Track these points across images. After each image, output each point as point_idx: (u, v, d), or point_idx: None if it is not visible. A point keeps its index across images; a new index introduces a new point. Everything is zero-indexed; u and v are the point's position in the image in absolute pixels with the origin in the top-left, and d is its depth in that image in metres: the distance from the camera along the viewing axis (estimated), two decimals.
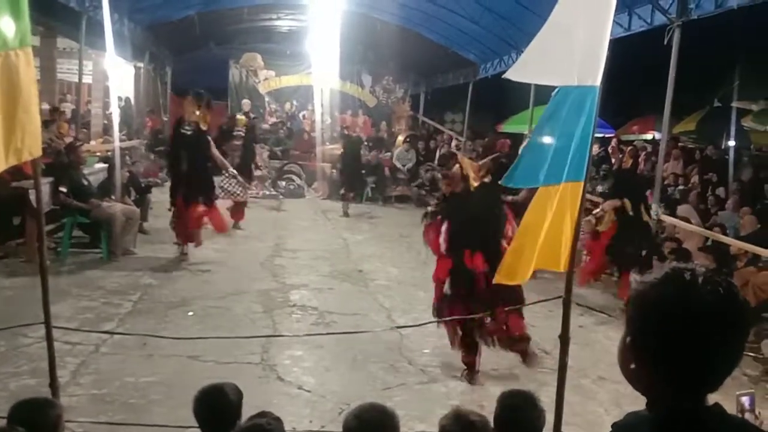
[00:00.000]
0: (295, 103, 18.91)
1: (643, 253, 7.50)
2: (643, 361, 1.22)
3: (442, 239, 5.08)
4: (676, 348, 1.15)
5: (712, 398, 1.21)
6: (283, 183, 14.99)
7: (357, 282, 7.78)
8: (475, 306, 4.87)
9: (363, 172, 14.41)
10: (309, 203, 13.63)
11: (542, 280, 7.80)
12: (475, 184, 5.11)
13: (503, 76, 3.35)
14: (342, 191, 13.25)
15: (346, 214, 12.75)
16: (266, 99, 18.88)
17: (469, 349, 5.08)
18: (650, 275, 1.24)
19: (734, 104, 14.75)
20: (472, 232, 4.99)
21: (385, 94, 19.95)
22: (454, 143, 18.35)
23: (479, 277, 4.87)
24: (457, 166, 5.22)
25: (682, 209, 9.85)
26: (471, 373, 5.08)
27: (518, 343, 5.09)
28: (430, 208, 5.44)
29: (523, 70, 3.28)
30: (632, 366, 1.25)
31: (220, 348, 5.19)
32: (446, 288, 5.01)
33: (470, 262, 4.93)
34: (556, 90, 3.16)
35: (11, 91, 2.97)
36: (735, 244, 7.57)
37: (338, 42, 15.23)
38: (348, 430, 2.37)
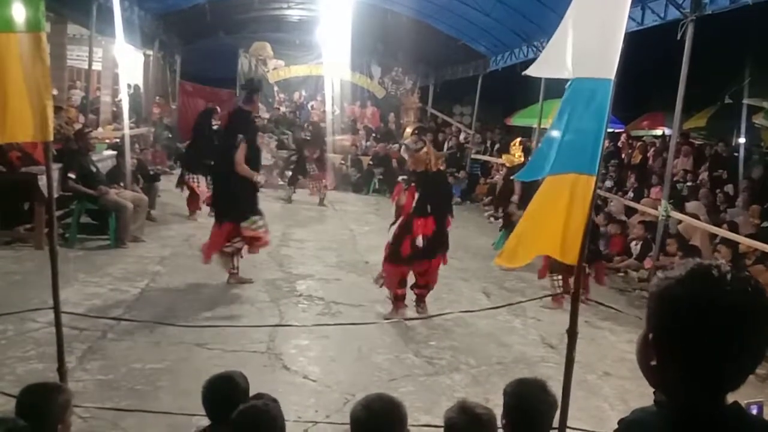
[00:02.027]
0: (303, 93, 18.88)
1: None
2: (666, 357, 1.19)
3: (409, 200, 6.26)
4: (701, 345, 1.13)
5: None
6: (291, 173, 14.97)
7: (363, 273, 7.78)
8: (418, 256, 6.14)
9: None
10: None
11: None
12: (434, 168, 6.32)
13: (523, 73, 3.36)
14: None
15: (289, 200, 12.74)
16: (275, 88, 18.85)
17: (402, 283, 6.31)
18: (673, 270, 1.20)
19: (745, 101, 14.66)
20: (430, 201, 6.19)
21: (394, 85, 19.87)
22: (462, 136, 18.31)
23: (428, 234, 6.10)
24: (425, 150, 6.29)
25: (690, 206, 9.80)
26: (401, 305, 6.30)
27: (425, 289, 6.39)
28: (403, 177, 6.59)
29: (543, 66, 3.28)
30: (653, 363, 1.22)
31: (226, 336, 5.21)
32: (419, 241, 6.10)
33: (424, 221, 6.13)
34: (569, 82, 3.14)
35: (14, 71, 2.98)
36: (744, 242, 7.52)
37: (348, 32, 15.17)
38: (356, 421, 2.37)
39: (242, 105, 7.22)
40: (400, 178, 6.87)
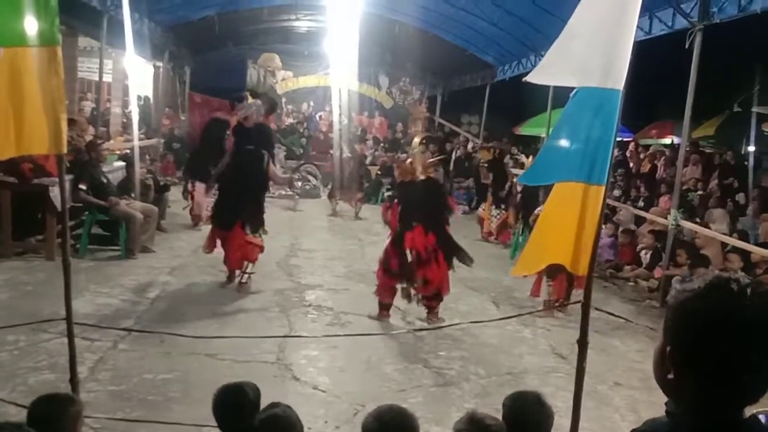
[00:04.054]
0: (311, 104, 18.94)
1: None
2: (683, 371, 1.18)
3: (393, 217, 6.38)
4: (719, 359, 1.13)
5: None
6: (299, 183, 15.04)
7: (372, 283, 7.73)
8: (409, 267, 6.17)
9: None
10: (325, 203, 13.65)
11: None
12: (422, 177, 6.31)
13: (524, 79, 3.36)
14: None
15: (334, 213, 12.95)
16: (283, 100, 18.94)
17: (392, 294, 6.40)
18: (691, 283, 1.19)
19: (754, 109, 14.60)
20: (415, 212, 6.19)
21: (402, 95, 19.94)
22: (470, 145, 18.31)
23: (417, 246, 6.11)
24: (409, 160, 6.42)
25: (716, 213, 9.71)
26: (386, 314, 6.38)
27: (434, 300, 6.33)
28: (388, 193, 6.71)
29: (544, 72, 3.27)
30: (670, 376, 1.21)
31: (236, 346, 5.22)
32: (409, 255, 6.18)
33: (411, 234, 6.14)
34: (575, 91, 3.14)
35: (29, 85, 3.02)
36: (756, 251, 7.46)
37: (356, 43, 15.24)
38: None
39: (262, 120, 7.29)
40: (386, 193, 7.09)
